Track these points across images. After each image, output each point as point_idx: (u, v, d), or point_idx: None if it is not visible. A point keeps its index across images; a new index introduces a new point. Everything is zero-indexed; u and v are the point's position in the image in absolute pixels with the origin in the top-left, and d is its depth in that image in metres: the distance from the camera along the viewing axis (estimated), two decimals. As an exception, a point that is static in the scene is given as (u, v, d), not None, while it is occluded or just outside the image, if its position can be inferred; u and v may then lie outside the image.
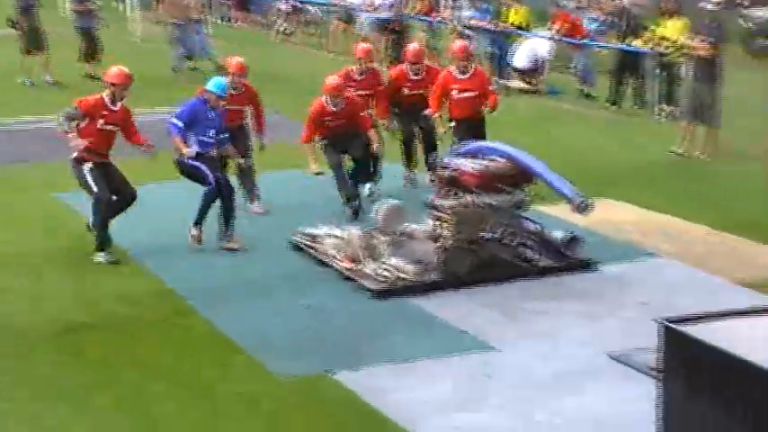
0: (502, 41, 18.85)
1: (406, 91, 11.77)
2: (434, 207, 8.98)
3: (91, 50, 18.65)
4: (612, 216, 10.41)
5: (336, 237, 9.25)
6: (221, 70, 19.14)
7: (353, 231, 9.16)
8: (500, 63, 18.83)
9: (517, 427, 6.44)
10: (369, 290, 8.63)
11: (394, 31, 20.14)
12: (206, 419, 6.65)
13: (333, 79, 10.86)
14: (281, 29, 24.83)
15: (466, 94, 11.31)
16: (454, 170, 9.04)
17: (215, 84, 9.94)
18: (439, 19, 20.90)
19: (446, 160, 9.27)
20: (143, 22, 23.87)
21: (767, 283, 8.33)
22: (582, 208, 8.78)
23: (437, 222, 9.00)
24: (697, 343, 5.28)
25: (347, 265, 8.92)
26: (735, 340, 5.35)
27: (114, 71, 9.72)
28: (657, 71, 15.72)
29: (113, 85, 9.59)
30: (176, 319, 8.25)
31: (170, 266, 9.36)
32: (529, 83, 18.38)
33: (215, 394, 6.97)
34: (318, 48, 23.52)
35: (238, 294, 8.71)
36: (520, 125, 14.79)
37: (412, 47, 12.35)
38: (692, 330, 5.39)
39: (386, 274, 8.69)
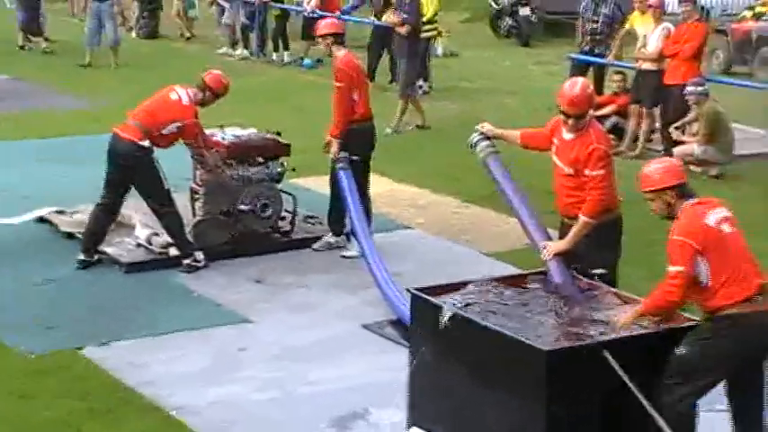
0: (255, 13, 18.69)
1: None
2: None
3: None
4: (366, 189, 10.53)
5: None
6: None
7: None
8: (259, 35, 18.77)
9: (272, 399, 6.44)
10: (120, 263, 8.40)
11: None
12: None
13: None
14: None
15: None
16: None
17: None
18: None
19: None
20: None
21: (511, 252, 8.66)
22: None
23: (192, 195, 8.87)
24: (442, 310, 5.45)
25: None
26: (477, 307, 5.56)
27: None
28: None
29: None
30: None
31: None
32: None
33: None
34: (64, 14, 22.62)
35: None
36: (271, 95, 14.87)
37: None
38: (440, 299, 5.56)
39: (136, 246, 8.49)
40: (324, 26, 8.95)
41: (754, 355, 5.25)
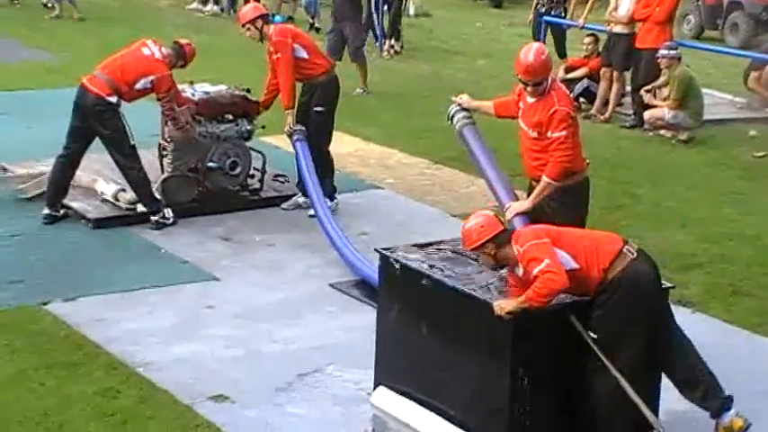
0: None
1: None
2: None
3: None
4: (334, 148, 10.50)
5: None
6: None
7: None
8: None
9: (237, 357, 6.43)
10: (87, 219, 8.33)
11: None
12: None
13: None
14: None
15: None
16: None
17: None
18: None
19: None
20: None
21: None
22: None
23: (160, 151, 8.80)
24: (410, 270, 5.44)
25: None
26: (445, 268, 5.56)
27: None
28: (384, 7, 15.92)
29: None
30: None
31: None
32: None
33: None
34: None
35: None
36: (242, 52, 14.73)
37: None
38: (407, 259, 5.55)
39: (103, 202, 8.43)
40: (249, 13, 8.81)
41: (651, 304, 5.21)
